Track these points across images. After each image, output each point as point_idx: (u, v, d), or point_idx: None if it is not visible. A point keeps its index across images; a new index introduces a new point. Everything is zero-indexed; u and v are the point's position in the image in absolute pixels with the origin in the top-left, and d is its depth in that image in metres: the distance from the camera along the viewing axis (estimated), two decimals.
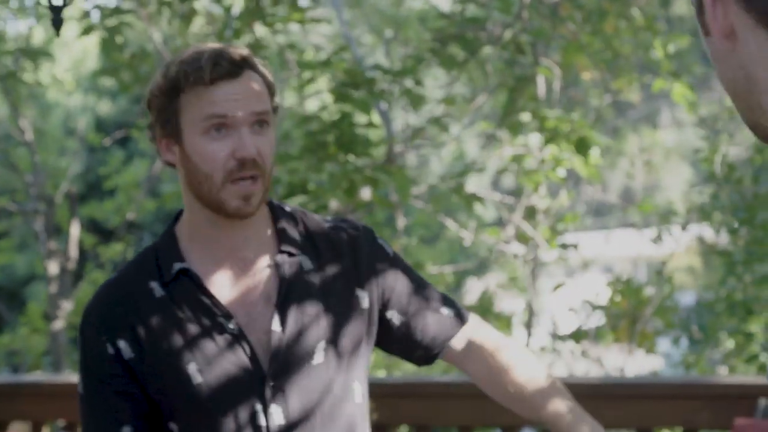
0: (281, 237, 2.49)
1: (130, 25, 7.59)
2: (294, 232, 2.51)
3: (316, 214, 2.62)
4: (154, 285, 2.42)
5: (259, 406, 2.37)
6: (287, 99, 9.80)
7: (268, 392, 2.38)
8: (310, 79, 6.76)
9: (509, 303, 9.43)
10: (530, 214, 8.38)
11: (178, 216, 2.53)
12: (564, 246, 8.09)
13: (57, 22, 3.55)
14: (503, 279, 9.06)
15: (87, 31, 7.42)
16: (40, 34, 16.30)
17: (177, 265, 2.42)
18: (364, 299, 2.53)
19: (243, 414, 2.37)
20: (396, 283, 2.60)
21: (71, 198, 9.29)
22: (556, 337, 8.28)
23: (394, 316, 2.59)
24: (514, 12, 6.76)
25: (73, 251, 9.70)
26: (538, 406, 2.60)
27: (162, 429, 2.44)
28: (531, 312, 8.68)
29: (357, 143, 6.58)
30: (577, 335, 8.13)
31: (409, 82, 6.68)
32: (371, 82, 6.58)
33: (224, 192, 2.36)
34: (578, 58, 6.71)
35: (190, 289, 2.41)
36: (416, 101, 6.75)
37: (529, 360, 2.65)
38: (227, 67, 2.35)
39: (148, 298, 2.41)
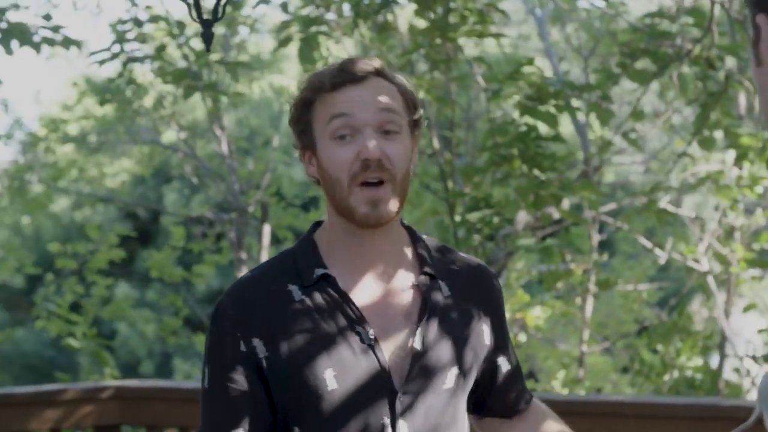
0: (422, 259, 2.50)
1: (328, 36, 7.70)
2: (434, 258, 2.53)
3: (451, 247, 2.65)
4: (293, 288, 2.43)
5: (387, 420, 2.37)
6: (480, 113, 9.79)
7: (398, 406, 2.38)
8: (497, 92, 6.73)
9: (705, 323, 9.18)
10: (728, 233, 8.18)
11: (316, 225, 2.55)
12: (764, 265, 7.84)
13: (207, 37, 3.56)
14: (701, 299, 8.85)
15: (284, 42, 7.56)
16: (259, 46, 16.70)
17: (318, 270, 2.43)
18: (488, 336, 2.56)
19: (371, 425, 2.38)
20: (505, 334, 2.65)
21: (263, 207, 9.51)
22: (750, 359, 8.01)
23: (503, 363, 2.63)
24: (705, 26, 6.60)
25: (264, 259, 9.87)
26: None
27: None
28: (723, 334, 8.45)
29: (543, 157, 6.52)
30: None
31: (595, 96, 6.61)
32: (558, 96, 6.51)
33: (352, 197, 2.37)
34: None
35: (331, 295, 2.41)
36: (604, 117, 6.65)
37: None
38: (350, 74, 2.40)
39: (287, 300, 2.42)
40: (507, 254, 7.74)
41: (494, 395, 2.64)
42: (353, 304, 2.40)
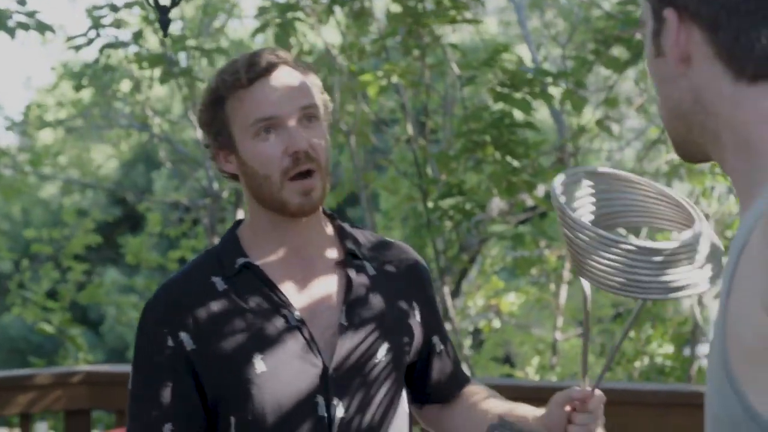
0: (344, 241, 2.54)
1: (304, 22, 7.69)
2: (356, 239, 2.58)
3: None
4: (217, 279, 2.45)
5: (320, 398, 2.39)
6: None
7: (330, 384, 2.40)
8: (471, 78, 6.73)
9: (676, 310, 9.20)
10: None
11: (237, 223, 2.58)
12: None
13: (164, 23, 3.54)
14: None
15: (261, 28, 7.55)
16: (239, 31, 16.65)
17: (240, 260, 2.45)
18: (418, 314, 2.59)
19: (304, 405, 2.39)
20: (436, 314, 2.69)
21: (237, 193, 9.52)
22: None
23: (437, 342, 2.66)
24: None
25: None
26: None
27: (219, 424, 2.43)
28: (695, 323, 8.46)
29: (516, 144, 6.52)
30: None
31: (569, 84, 6.61)
32: (532, 83, 6.50)
33: (285, 191, 2.39)
34: None
35: (254, 281, 2.44)
36: (577, 104, 6.66)
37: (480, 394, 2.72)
38: (263, 65, 2.40)
39: (210, 291, 2.43)
40: (481, 241, 7.74)
41: (431, 377, 2.66)
42: (276, 288, 2.43)
